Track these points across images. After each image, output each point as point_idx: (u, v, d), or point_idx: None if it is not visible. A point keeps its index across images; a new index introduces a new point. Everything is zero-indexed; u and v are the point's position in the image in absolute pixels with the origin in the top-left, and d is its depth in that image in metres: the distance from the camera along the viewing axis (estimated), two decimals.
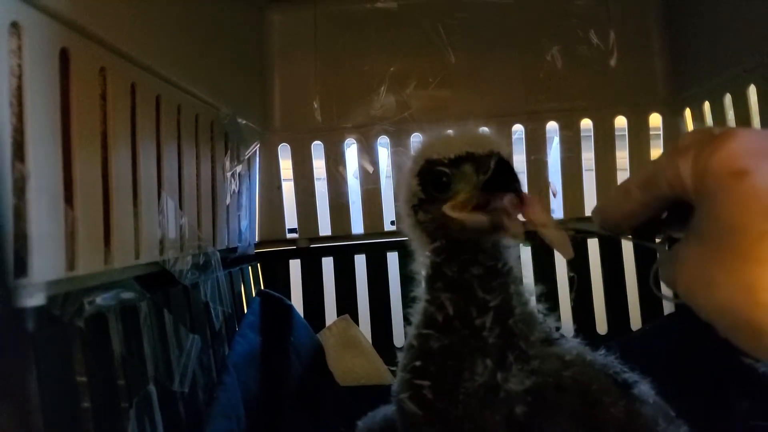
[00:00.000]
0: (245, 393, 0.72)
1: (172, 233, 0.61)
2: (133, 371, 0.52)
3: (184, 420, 0.61)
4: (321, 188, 0.99)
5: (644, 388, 0.48)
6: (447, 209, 0.46)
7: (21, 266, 0.37)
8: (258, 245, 0.98)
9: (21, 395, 0.37)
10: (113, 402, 0.49)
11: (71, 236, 0.43)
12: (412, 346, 0.49)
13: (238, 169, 0.85)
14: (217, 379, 0.71)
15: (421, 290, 0.51)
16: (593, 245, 0.98)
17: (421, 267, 0.51)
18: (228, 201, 0.82)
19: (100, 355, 0.48)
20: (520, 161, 0.98)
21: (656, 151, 1.00)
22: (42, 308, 0.40)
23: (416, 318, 0.51)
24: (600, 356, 0.50)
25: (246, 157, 0.89)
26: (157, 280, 0.59)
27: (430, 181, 0.47)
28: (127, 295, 0.52)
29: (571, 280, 0.94)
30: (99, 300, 0.47)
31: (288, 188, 1.01)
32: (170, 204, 0.60)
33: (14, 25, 0.38)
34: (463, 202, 0.46)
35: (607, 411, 0.45)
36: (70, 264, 0.43)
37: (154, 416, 0.54)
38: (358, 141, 0.99)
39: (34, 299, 0.38)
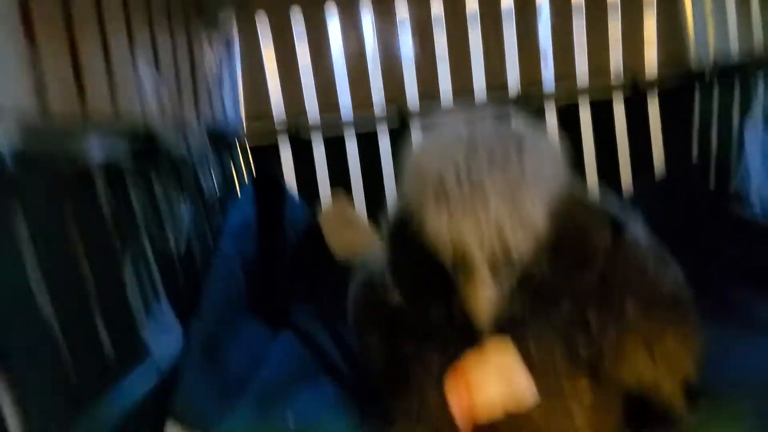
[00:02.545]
0: (243, 260, 0.74)
1: (149, 93, 0.59)
2: (125, 225, 0.52)
3: (182, 281, 0.62)
4: (304, 62, 0.95)
5: (637, 230, 0.47)
6: None
7: None
8: (247, 129, 0.96)
9: (9, 236, 0.37)
10: (107, 250, 0.49)
11: (37, 71, 0.41)
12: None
13: (216, 35, 0.81)
14: (213, 246, 0.72)
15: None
16: (584, 108, 0.98)
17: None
18: (209, 71, 0.80)
19: (90, 209, 0.48)
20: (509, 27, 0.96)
21: (649, 22, 0.97)
22: (22, 153, 0.39)
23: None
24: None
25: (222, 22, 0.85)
26: (143, 150, 0.58)
27: None
28: (111, 149, 0.51)
29: None
30: (81, 146, 0.46)
31: (271, 70, 0.97)
32: (144, 62, 0.58)
33: None
34: None
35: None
36: (42, 101, 0.42)
37: (150, 269, 0.55)
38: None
39: (7, 141, 0.37)
